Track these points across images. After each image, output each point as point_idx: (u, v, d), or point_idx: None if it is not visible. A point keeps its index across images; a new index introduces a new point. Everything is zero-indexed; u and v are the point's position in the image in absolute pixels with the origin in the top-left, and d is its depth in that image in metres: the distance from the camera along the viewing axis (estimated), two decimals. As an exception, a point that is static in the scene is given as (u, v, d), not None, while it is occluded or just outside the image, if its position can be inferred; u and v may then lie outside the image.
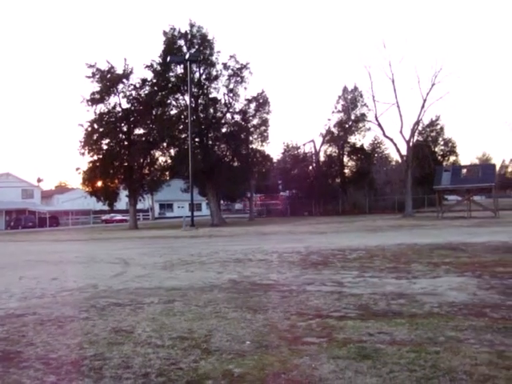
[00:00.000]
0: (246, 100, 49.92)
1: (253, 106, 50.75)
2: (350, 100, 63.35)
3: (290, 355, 5.10)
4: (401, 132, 48.86)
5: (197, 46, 47.33)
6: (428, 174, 51.47)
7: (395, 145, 51.01)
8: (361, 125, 64.31)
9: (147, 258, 16.91)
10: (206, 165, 45.77)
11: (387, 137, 52.47)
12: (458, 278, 9.71)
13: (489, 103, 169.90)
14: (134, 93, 49.08)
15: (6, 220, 65.40)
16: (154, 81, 48.19)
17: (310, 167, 68.25)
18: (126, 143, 49.27)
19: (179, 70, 47.87)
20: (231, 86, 48.65)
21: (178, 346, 5.63)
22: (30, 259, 18.61)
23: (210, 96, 48.96)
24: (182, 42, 47.81)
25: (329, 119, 65.49)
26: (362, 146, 67.68)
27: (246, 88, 49.27)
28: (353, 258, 14.01)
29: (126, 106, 49.11)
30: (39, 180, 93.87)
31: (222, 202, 64.81)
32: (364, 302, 7.72)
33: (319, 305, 7.65)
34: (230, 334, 6.07)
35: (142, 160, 49.44)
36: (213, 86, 48.69)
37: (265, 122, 51.77)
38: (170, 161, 50.71)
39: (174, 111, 49.37)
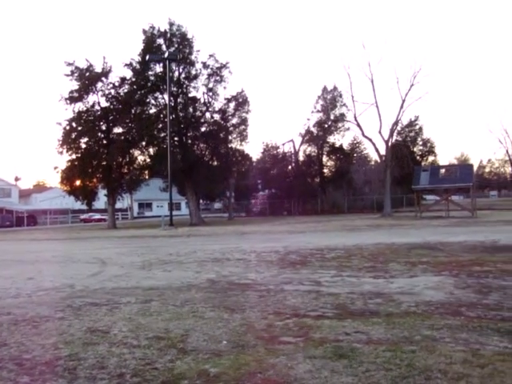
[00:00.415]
0: (226, 99, 49.82)
1: (232, 105, 50.65)
2: (330, 100, 63.62)
3: (267, 355, 5.09)
4: (380, 132, 49.30)
5: (176, 45, 47.11)
6: (407, 174, 51.71)
7: (374, 145, 51.60)
8: (340, 125, 64.53)
9: (125, 257, 16.79)
10: (184, 164, 45.63)
11: (366, 137, 53.04)
12: (435, 278, 9.80)
13: (467, 104, 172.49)
14: (112, 91, 48.53)
15: (-17, 219, 64.34)
16: (134, 79, 47.76)
17: (290, 167, 68.36)
18: (104, 142, 48.70)
19: (158, 68, 47.58)
20: (211, 85, 48.52)
21: (154, 345, 5.59)
22: (5, 259, 18.40)
23: (190, 95, 48.78)
24: (161, 41, 47.49)
25: (308, 119, 65.79)
26: (341, 145, 68.15)
27: (225, 87, 49.22)
28: (331, 258, 14.06)
29: (104, 104, 48.56)
30: (17, 179, 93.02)
31: (201, 201, 64.63)
32: (341, 302, 7.74)
33: (297, 304, 7.66)
34: (207, 333, 6.05)
35: (120, 159, 48.93)
36: (192, 85, 48.51)
37: (244, 122, 51.69)
38: (148, 160, 50.30)
39: (153, 110, 49.04)
